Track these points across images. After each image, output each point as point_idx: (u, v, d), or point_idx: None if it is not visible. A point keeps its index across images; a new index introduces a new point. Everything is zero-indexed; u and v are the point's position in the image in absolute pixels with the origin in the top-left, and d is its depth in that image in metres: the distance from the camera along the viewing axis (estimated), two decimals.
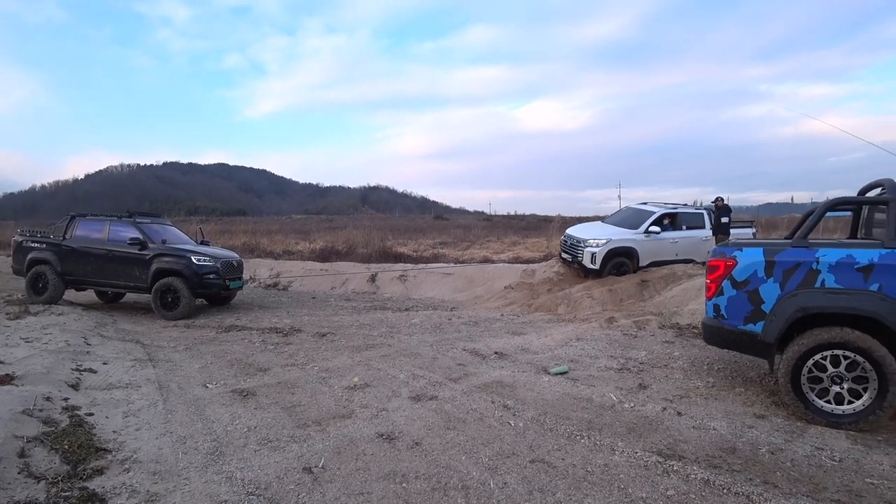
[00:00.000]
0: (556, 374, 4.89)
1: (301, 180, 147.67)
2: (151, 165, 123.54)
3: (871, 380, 3.71)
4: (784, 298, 3.96)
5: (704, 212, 11.09)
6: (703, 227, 10.86)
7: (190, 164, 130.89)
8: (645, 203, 11.53)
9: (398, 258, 15.01)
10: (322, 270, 13.99)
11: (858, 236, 5.11)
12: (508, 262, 14.09)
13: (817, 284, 3.88)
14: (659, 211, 10.62)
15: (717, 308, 4.26)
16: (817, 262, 3.88)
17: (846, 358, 3.76)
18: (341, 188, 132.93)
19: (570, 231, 11.20)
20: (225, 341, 6.67)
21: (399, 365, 5.13)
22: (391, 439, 3.38)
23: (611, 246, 10.05)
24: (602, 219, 12.00)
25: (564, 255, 11.07)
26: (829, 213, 5.35)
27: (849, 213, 5.57)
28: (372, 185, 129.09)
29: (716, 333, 4.32)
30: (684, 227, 10.70)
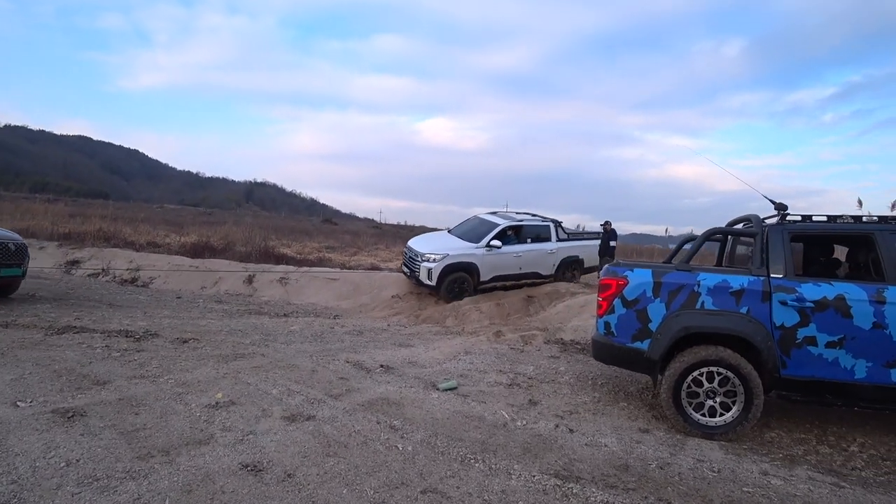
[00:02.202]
0: (445, 389, 4.63)
1: (179, 167, 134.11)
2: None
3: (739, 394, 3.96)
4: (669, 318, 4.10)
5: (551, 224, 10.95)
6: (549, 239, 10.76)
7: (41, 132, 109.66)
8: (495, 212, 11.22)
9: (280, 259, 13.94)
10: (192, 267, 12.51)
11: (723, 265, 5.55)
12: (397, 271, 13.75)
13: (698, 306, 4.07)
14: (503, 223, 10.31)
15: (607, 325, 4.30)
16: (698, 286, 4.08)
17: (719, 374, 3.99)
18: (225, 181, 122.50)
19: (410, 243, 10.61)
20: (55, 346, 5.45)
21: (273, 378, 4.51)
22: (258, 471, 2.83)
23: (448, 261, 9.58)
24: (450, 229, 11.61)
25: (404, 269, 10.46)
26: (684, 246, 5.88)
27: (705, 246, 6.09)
28: (259, 180, 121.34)
29: (605, 350, 4.37)
30: (529, 240, 10.54)
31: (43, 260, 13.40)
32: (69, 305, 8.01)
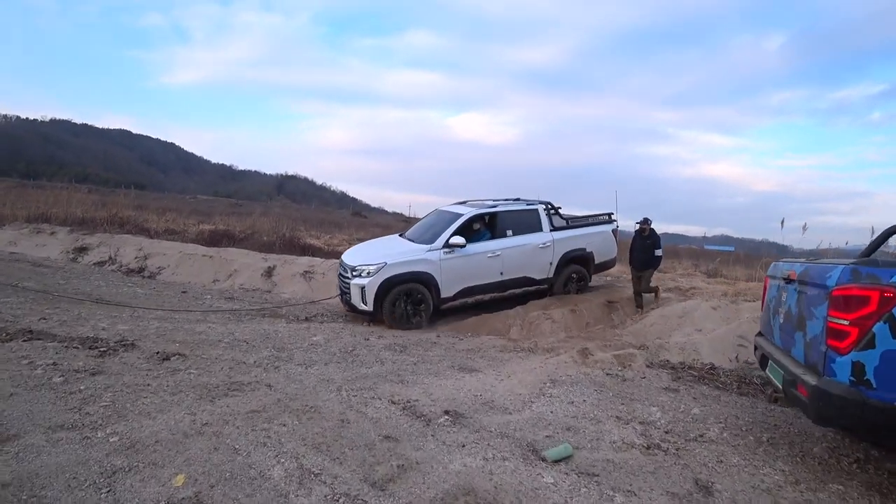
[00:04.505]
0: (556, 460, 2.86)
1: (213, 160, 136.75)
2: (35, 120, 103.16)
3: None
4: None
5: (539, 208, 7.85)
6: (538, 228, 7.71)
7: (85, 126, 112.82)
8: (464, 202, 8.20)
9: (305, 250, 12.36)
10: (205, 256, 11.03)
11: None
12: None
13: None
14: (468, 213, 7.34)
15: (859, 369, 2.42)
16: None
17: None
18: (257, 173, 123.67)
19: (344, 255, 7.74)
20: None
21: (277, 437, 2.80)
22: None
23: (388, 273, 6.70)
24: (401, 232, 8.84)
25: (339, 291, 7.67)
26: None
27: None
28: (290, 173, 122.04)
29: (850, 410, 2.47)
30: (510, 233, 7.52)
31: (52, 247, 12.22)
32: (48, 300, 6.54)
